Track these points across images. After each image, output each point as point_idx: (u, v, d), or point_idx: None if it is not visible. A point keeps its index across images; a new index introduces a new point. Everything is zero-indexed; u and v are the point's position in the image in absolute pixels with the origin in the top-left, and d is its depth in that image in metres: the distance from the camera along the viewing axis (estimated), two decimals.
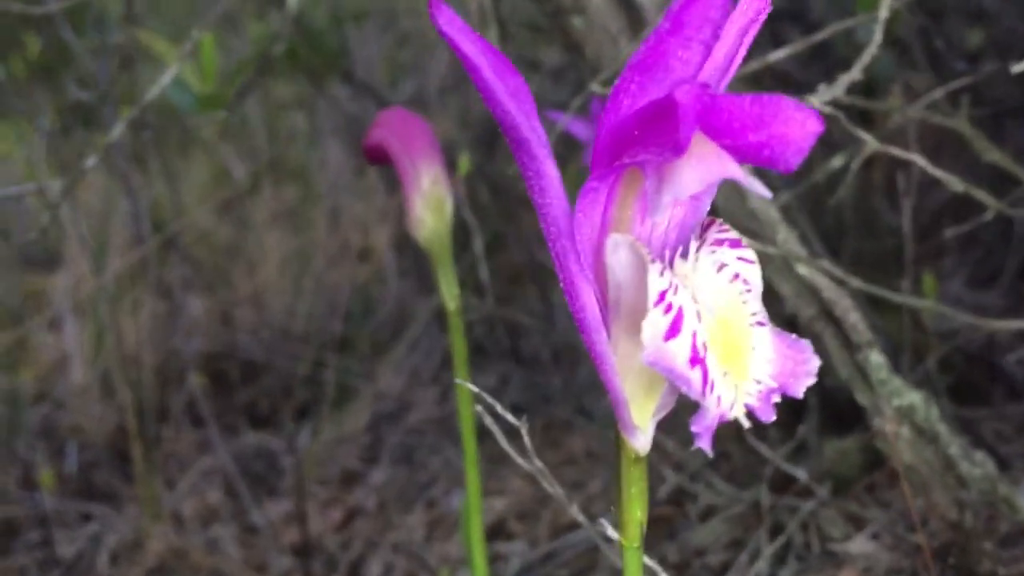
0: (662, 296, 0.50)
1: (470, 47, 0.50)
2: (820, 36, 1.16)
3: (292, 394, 2.62)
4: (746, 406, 0.50)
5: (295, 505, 2.15)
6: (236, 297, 2.93)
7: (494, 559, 1.86)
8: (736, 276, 0.52)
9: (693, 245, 0.53)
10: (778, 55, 1.14)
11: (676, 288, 0.50)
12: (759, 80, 1.50)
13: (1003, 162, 1.10)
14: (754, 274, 0.52)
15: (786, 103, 0.46)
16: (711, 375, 0.49)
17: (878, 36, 1.03)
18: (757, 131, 0.46)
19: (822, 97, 1.04)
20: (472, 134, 2.80)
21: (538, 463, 0.87)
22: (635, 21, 1.46)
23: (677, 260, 0.52)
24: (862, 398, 1.17)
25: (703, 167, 0.48)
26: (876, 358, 1.12)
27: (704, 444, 0.51)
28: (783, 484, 1.49)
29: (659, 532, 1.59)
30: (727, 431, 1.63)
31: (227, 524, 2.17)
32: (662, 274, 0.50)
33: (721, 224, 0.53)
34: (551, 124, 1.51)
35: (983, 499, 1.17)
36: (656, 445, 1.74)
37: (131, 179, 2.63)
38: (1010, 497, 1.18)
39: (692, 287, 0.51)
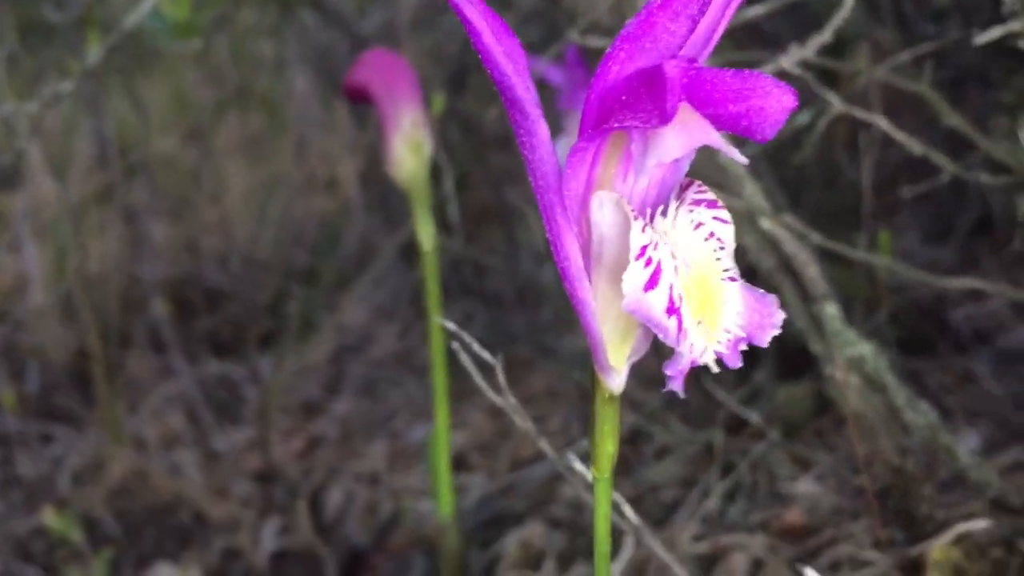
0: (643, 251, 0.53)
1: (473, 11, 0.53)
2: None
3: (255, 323, 2.65)
4: (716, 353, 0.54)
5: (257, 432, 2.19)
6: (200, 224, 2.93)
7: (457, 490, 1.92)
8: (711, 235, 0.55)
9: (673, 204, 0.56)
10: (756, 12, 1.17)
11: (656, 244, 0.54)
12: (731, 33, 1.53)
13: (962, 127, 1.15)
14: (728, 233, 0.56)
15: (764, 79, 0.49)
16: (685, 324, 0.53)
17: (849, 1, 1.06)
18: (737, 103, 0.49)
19: (793, 57, 1.07)
20: (443, 71, 2.80)
21: (511, 399, 0.92)
22: None
23: (657, 217, 0.55)
24: (816, 347, 1.23)
25: (686, 134, 0.51)
26: (831, 310, 1.17)
27: (676, 386, 0.55)
28: (736, 427, 1.56)
29: (616, 469, 1.65)
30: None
31: (189, 449, 2.20)
32: (644, 230, 0.54)
33: (699, 186, 0.57)
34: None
35: (925, 446, 1.24)
36: None
37: (97, 101, 2.61)
38: (950, 446, 1.24)
39: (671, 243, 0.55)
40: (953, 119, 1.17)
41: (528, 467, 1.80)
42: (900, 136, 1.11)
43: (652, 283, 0.53)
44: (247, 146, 3.10)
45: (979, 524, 1.11)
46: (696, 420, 1.60)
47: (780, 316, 0.56)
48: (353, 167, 2.92)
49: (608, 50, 0.55)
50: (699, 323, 0.53)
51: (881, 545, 1.33)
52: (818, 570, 1.26)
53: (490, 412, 2.00)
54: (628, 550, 1.32)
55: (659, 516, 1.53)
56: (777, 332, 0.56)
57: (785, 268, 1.19)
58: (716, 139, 0.51)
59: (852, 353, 1.20)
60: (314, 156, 2.99)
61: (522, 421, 0.92)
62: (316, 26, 3.04)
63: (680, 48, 0.54)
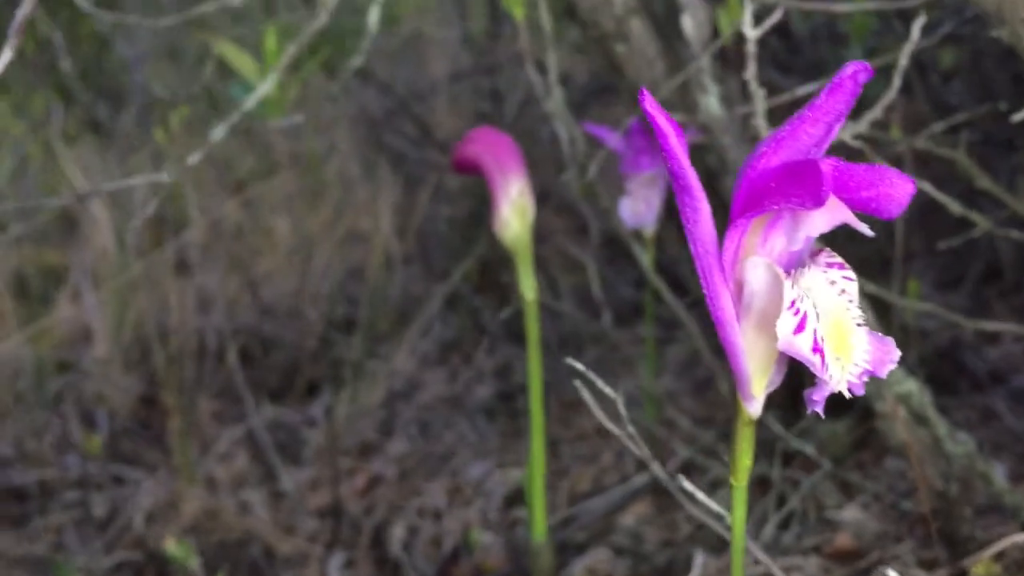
0: (792, 303, 0.69)
1: (662, 119, 0.68)
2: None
3: (303, 371, 2.79)
4: (848, 383, 0.70)
5: (320, 471, 2.33)
6: (247, 277, 3.08)
7: (514, 523, 2.06)
8: (843, 292, 0.71)
9: (809, 265, 0.72)
10: (807, 88, 1.34)
11: (802, 298, 0.69)
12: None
13: (994, 190, 1.31)
14: (854, 289, 0.71)
15: (891, 171, 0.65)
16: (828, 359, 0.68)
17: (897, 82, 1.23)
18: (869, 191, 0.65)
19: (849, 131, 1.24)
20: (472, 123, 2.98)
21: (630, 429, 1.06)
22: (669, 48, 1.66)
23: (804, 275, 0.71)
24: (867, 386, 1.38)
25: (830, 215, 0.67)
26: None
27: (819, 408, 0.71)
28: (786, 460, 1.71)
29: (673, 501, 1.80)
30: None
31: (256, 489, 2.34)
32: (792, 287, 0.69)
33: (830, 252, 0.73)
34: (592, 135, 1.70)
35: (964, 473, 1.39)
36: (670, 423, 1.95)
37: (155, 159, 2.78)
38: (987, 472, 1.40)
39: (812, 297, 0.70)
40: (984, 182, 1.34)
41: (587, 500, 1.94)
42: (941, 196, 1.27)
43: (800, 328, 0.68)
44: (290, 203, 3.26)
45: (1018, 538, 1.26)
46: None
47: (897, 354, 0.71)
48: (393, 222, 3.08)
49: (754, 150, 0.71)
50: (837, 359, 0.69)
51: (925, 564, 1.47)
52: None
53: (548, 449, 2.14)
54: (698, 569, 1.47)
55: (716, 544, 1.67)
56: (894, 366, 0.71)
57: None
58: (851, 218, 0.67)
59: (900, 390, 1.36)
60: (355, 211, 3.15)
61: (638, 449, 1.07)
62: (356, 87, 3.22)
63: (816, 147, 0.70)
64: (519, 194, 1.24)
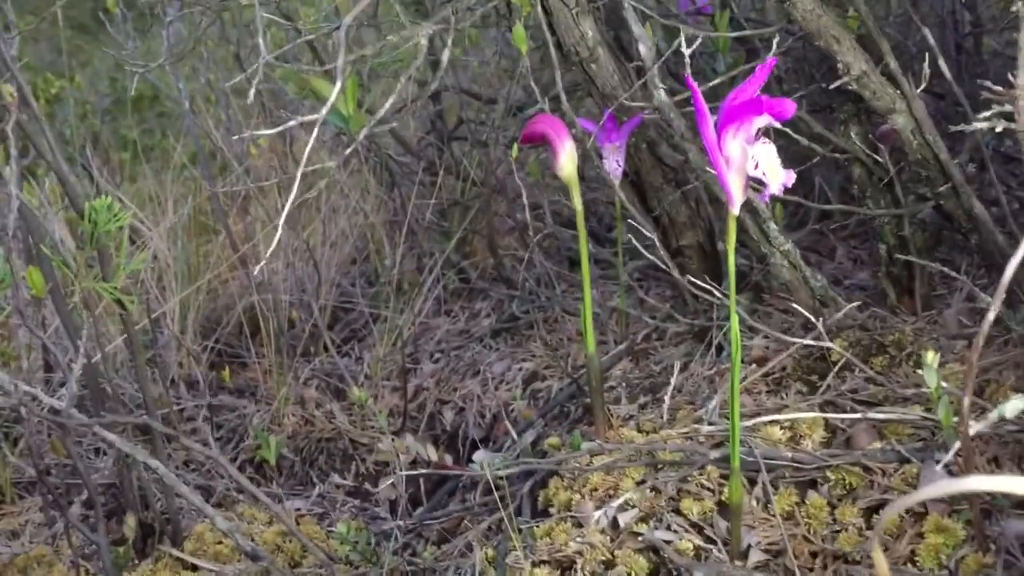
0: (753, 157, 1.67)
1: (697, 92, 1.66)
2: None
3: (333, 328, 3.67)
4: (777, 189, 1.69)
5: (395, 375, 3.21)
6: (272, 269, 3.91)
7: (535, 394, 3.00)
8: (771, 151, 1.69)
9: (755, 142, 1.70)
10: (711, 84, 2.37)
11: (755, 155, 1.67)
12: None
13: (824, 132, 2.36)
14: (774, 149, 1.70)
15: (786, 101, 1.65)
16: (768, 179, 1.67)
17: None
18: (778, 108, 1.65)
19: None
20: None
21: (666, 257, 2.04)
22: (620, 66, 2.66)
23: (754, 147, 1.69)
24: (765, 248, 2.40)
25: (765, 120, 1.66)
26: (773, 225, 2.36)
27: (766, 199, 1.70)
28: (714, 311, 2.72)
29: (643, 356, 2.79)
30: (681, 289, 2.84)
31: (334, 404, 3.20)
32: (751, 152, 1.68)
33: (764, 137, 1.71)
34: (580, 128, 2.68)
35: (822, 296, 2.43)
36: (642, 303, 2.95)
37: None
38: (834, 297, 2.44)
39: (758, 153, 1.68)
40: (818, 127, 2.39)
41: (583, 370, 2.90)
42: (795, 135, 2.32)
43: (756, 167, 1.67)
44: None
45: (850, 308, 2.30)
46: (691, 314, 2.76)
47: (792, 177, 1.71)
48: (382, 217, 3.99)
49: (728, 99, 1.70)
50: (772, 179, 1.67)
51: (806, 367, 2.50)
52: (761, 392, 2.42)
53: (545, 346, 3.11)
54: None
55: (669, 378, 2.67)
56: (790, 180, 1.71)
57: (749, 206, 2.37)
58: (772, 121, 1.66)
59: (783, 248, 2.39)
60: (349, 212, 4.04)
61: (679, 276, 2.05)
62: None
63: (756, 93, 1.70)
64: (569, 150, 2.20)
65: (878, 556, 1.09)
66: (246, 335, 3.60)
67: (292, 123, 2.00)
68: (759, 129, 1.67)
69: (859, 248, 3.28)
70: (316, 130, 2.16)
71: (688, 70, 2.24)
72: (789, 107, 1.67)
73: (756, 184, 1.69)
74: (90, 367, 2.18)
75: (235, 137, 2.95)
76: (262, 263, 1.98)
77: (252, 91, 1.90)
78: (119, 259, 2.08)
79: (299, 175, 2.12)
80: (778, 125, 1.67)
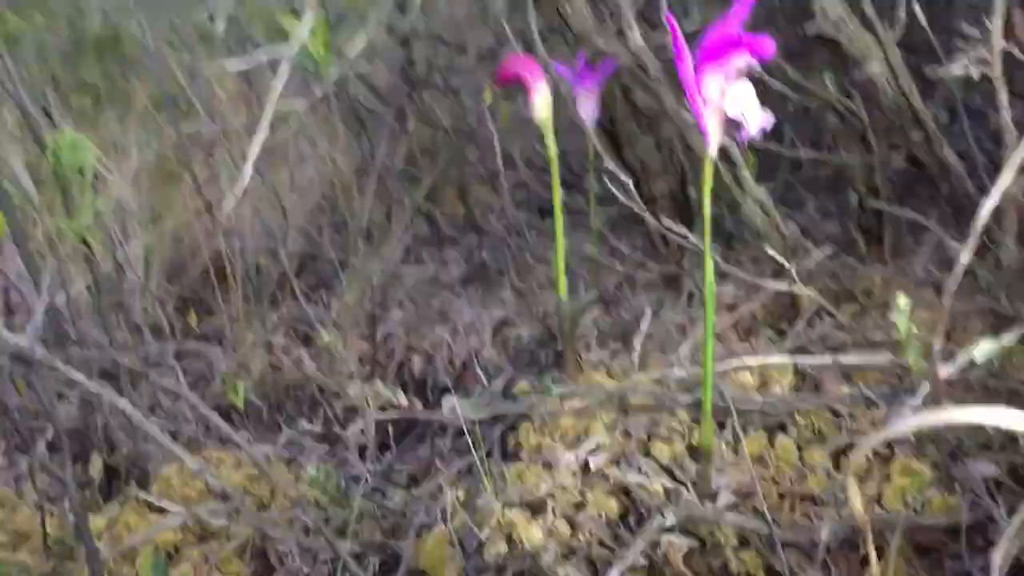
0: (731, 96, 1.66)
1: (678, 31, 1.63)
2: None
3: (300, 275, 3.63)
4: (756, 129, 1.67)
5: (364, 322, 3.19)
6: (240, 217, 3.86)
7: (505, 340, 2.99)
8: (749, 92, 1.68)
9: (734, 80, 1.68)
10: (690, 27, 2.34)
11: (734, 95, 1.66)
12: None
13: (801, 81, 2.35)
14: (751, 88, 1.68)
15: (766, 39, 1.64)
16: (747, 117, 1.65)
17: None
18: (761, 45, 1.63)
19: None
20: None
21: (640, 203, 2.03)
22: (595, 10, 2.63)
23: (732, 86, 1.67)
24: (738, 196, 2.40)
25: (745, 58, 1.64)
26: (747, 173, 2.35)
27: (747, 138, 1.69)
28: (683, 253, 2.72)
29: (614, 303, 2.78)
30: (653, 237, 2.84)
31: (301, 350, 3.18)
32: (729, 91, 1.66)
33: (743, 78, 1.69)
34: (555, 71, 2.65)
35: (793, 243, 2.43)
36: (613, 251, 2.94)
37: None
38: (805, 246, 2.44)
39: (736, 94, 1.66)
40: (797, 76, 2.38)
41: (553, 316, 2.90)
42: (772, 82, 2.30)
43: (734, 106, 1.66)
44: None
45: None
46: (662, 262, 2.76)
47: (772, 121, 1.69)
48: (351, 164, 3.94)
49: (706, 36, 1.68)
50: (750, 118, 1.66)
51: (775, 314, 2.51)
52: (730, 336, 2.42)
53: (515, 293, 3.10)
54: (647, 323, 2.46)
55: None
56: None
57: (723, 155, 2.36)
58: (752, 60, 1.65)
59: (757, 196, 2.38)
60: (319, 160, 3.99)
61: (640, 209, 2.03)
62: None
63: (736, 30, 1.68)
64: (544, 92, 2.17)
65: (853, 491, 1.09)
66: (212, 282, 3.55)
67: (260, 58, 1.95)
68: (738, 69, 1.65)
69: (828, 200, 3.28)
70: (285, 67, 2.11)
71: (664, 9, 2.22)
72: (769, 45, 1.64)
73: (732, 129, 1.67)
74: (54, 308, 2.14)
75: (200, 76, 2.88)
76: (230, 207, 1.95)
77: (220, 24, 1.85)
78: (83, 200, 2.03)
79: (268, 113, 2.08)
80: (758, 66, 1.65)
